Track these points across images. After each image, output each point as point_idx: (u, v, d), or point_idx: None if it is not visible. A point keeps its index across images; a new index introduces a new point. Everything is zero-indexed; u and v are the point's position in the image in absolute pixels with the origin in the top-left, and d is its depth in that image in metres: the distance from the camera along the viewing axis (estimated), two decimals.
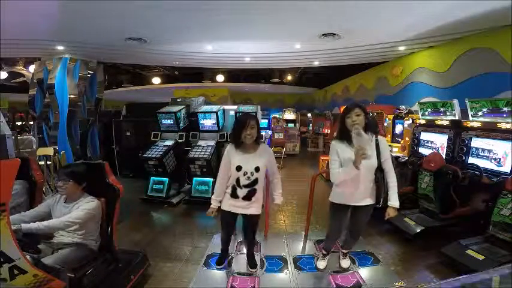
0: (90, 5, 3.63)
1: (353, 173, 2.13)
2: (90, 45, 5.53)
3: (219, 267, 2.77)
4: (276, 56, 6.86)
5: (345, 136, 2.25)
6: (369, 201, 2.31)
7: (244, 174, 2.28)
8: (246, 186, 2.31)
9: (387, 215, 2.25)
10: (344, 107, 2.32)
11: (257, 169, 2.29)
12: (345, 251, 2.84)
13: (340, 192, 2.37)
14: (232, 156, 2.32)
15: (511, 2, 3.29)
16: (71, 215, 1.99)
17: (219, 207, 2.45)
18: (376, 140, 2.24)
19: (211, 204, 2.42)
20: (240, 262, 2.87)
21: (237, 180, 2.31)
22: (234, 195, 2.35)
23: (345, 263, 2.81)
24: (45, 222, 1.89)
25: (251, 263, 2.77)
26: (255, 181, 2.31)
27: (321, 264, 2.80)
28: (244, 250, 2.99)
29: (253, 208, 2.40)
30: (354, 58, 6.89)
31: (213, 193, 2.48)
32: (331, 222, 2.62)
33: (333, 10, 3.91)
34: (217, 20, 4.37)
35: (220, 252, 2.86)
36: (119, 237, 2.60)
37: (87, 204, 2.11)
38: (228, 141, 2.39)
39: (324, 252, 2.82)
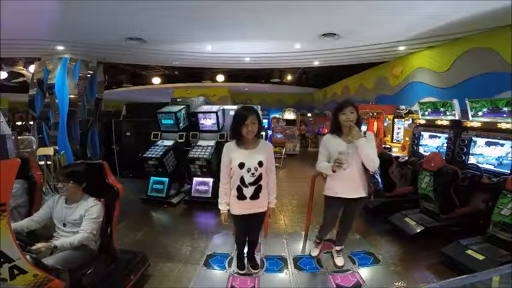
0: (91, 5, 3.63)
1: (329, 173, 2.35)
2: (90, 45, 5.53)
3: (242, 272, 2.63)
4: (276, 56, 6.86)
5: (337, 131, 2.39)
6: (362, 193, 2.41)
7: (248, 171, 2.17)
8: (251, 184, 2.21)
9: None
10: (338, 104, 2.42)
11: (260, 164, 2.19)
12: (338, 248, 2.85)
13: (332, 185, 2.47)
14: (232, 154, 2.20)
15: (511, 2, 3.29)
16: (86, 229, 2.05)
17: (228, 210, 2.31)
18: (365, 133, 2.33)
19: (220, 210, 2.26)
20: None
21: (242, 179, 2.20)
22: (241, 196, 2.24)
23: (340, 260, 2.79)
24: (76, 239, 1.99)
25: (253, 263, 2.71)
26: (260, 177, 2.22)
27: (314, 252, 2.94)
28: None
29: (261, 206, 2.34)
30: (354, 58, 6.89)
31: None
32: (325, 214, 2.72)
33: (333, 10, 3.91)
34: (217, 20, 4.37)
35: (238, 256, 2.72)
36: (119, 237, 2.60)
37: (94, 211, 2.11)
38: (228, 141, 2.33)
39: (318, 241, 2.95)
